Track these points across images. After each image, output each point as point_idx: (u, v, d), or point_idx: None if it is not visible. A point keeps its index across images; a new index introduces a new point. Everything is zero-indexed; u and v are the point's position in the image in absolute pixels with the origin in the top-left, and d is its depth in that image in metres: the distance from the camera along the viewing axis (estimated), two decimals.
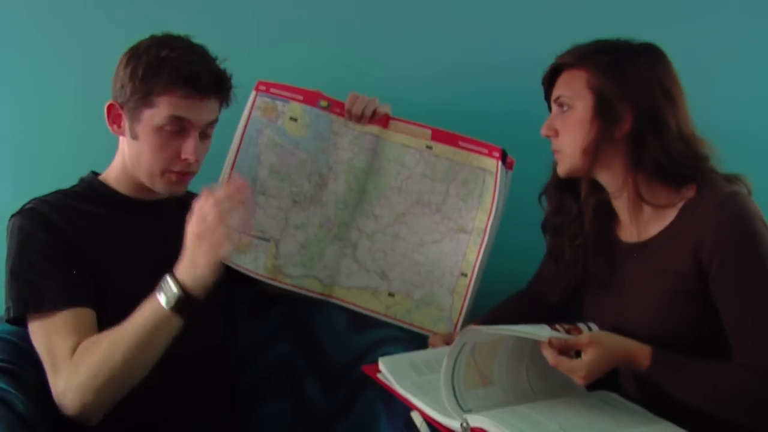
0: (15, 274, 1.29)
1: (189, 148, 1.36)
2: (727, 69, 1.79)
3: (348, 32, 1.75)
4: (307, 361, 1.57)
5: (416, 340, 1.42)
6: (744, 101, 1.79)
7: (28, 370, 1.33)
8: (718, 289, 1.20)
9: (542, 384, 1.23)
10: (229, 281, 1.45)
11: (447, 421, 1.12)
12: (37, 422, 1.24)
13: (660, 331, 1.25)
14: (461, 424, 1.10)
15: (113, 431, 1.30)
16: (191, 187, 1.46)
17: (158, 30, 1.40)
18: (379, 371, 1.26)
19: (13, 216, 1.34)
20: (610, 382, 1.25)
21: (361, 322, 1.56)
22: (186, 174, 1.40)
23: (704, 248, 1.20)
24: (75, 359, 1.23)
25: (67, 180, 1.45)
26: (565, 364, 1.16)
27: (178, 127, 1.35)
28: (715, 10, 1.78)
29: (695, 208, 1.24)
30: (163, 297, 1.22)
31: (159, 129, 1.34)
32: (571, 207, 1.39)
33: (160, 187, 1.40)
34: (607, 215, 1.38)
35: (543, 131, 1.35)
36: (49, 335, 1.26)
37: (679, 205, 1.27)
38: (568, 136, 1.31)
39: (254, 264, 1.52)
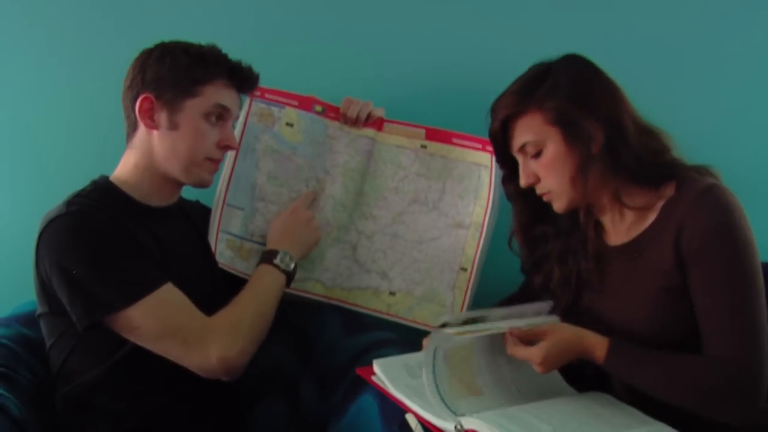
0: (103, 266, 1.27)
1: (231, 135, 1.45)
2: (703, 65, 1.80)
3: (341, 35, 1.76)
4: (303, 364, 1.59)
5: (411, 343, 1.43)
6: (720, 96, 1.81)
7: (22, 373, 1.35)
8: (693, 278, 1.21)
9: (529, 387, 1.25)
10: (229, 287, 1.48)
11: (441, 423, 1.13)
12: (31, 426, 1.27)
13: (651, 329, 1.25)
14: (455, 427, 1.11)
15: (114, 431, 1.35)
16: (186, 194, 1.50)
17: (154, 31, 1.44)
18: (374, 374, 1.27)
19: (53, 221, 1.29)
20: (601, 383, 1.27)
21: (355, 324, 1.58)
22: (219, 163, 1.45)
23: (683, 239, 1.21)
24: (228, 322, 1.32)
25: (67, 182, 1.41)
26: (521, 351, 1.19)
27: (218, 116, 1.41)
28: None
29: (675, 204, 1.25)
30: (282, 265, 1.46)
31: (204, 116, 1.39)
32: (548, 237, 1.40)
33: (194, 177, 1.42)
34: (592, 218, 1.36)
35: (524, 182, 1.32)
36: (174, 311, 1.30)
37: (660, 204, 1.27)
38: (551, 176, 1.29)
39: None
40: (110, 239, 1.30)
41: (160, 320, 1.28)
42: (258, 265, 1.47)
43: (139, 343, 1.30)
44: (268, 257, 1.47)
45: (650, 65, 1.78)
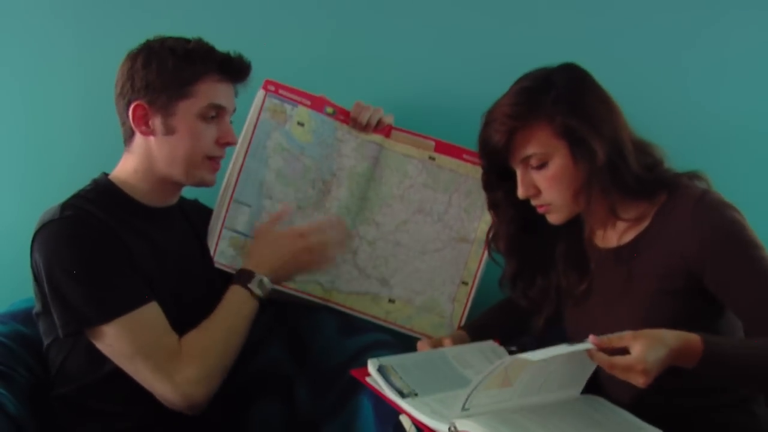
0: (86, 279, 1.27)
1: (229, 131, 1.43)
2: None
3: (352, 34, 1.77)
4: (298, 365, 1.58)
5: (406, 345, 1.43)
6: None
7: (19, 371, 1.35)
8: (718, 284, 1.20)
9: (552, 386, 1.19)
10: (226, 285, 1.46)
11: (435, 424, 1.12)
12: (27, 424, 1.27)
13: None
14: (449, 429, 1.10)
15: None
16: (186, 193, 1.50)
17: (158, 29, 1.43)
18: (368, 375, 1.25)
19: (46, 224, 1.29)
20: (594, 387, 1.25)
21: (351, 326, 1.57)
22: (220, 160, 1.44)
23: (690, 249, 1.21)
24: (198, 351, 1.30)
25: (68, 180, 1.43)
26: (621, 361, 1.06)
27: (214, 114, 1.39)
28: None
29: (670, 210, 1.25)
30: (257, 291, 1.41)
31: (199, 116, 1.38)
32: (531, 249, 1.39)
33: (195, 178, 1.41)
34: (577, 228, 1.35)
35: (523, 193, 1.29)
36: (148, 334, 1.29)
37: (653, 210, 1.28)
38: (554, 190, 1.27)
39: None
40: (99, 251, 1.29)
41: (133, 342, 1.28)
42: (232, 284, 1.43)
43: (112, 359, 1.30)
44: (244, 278, 1.42)
45: (654, 69, 1.80)
